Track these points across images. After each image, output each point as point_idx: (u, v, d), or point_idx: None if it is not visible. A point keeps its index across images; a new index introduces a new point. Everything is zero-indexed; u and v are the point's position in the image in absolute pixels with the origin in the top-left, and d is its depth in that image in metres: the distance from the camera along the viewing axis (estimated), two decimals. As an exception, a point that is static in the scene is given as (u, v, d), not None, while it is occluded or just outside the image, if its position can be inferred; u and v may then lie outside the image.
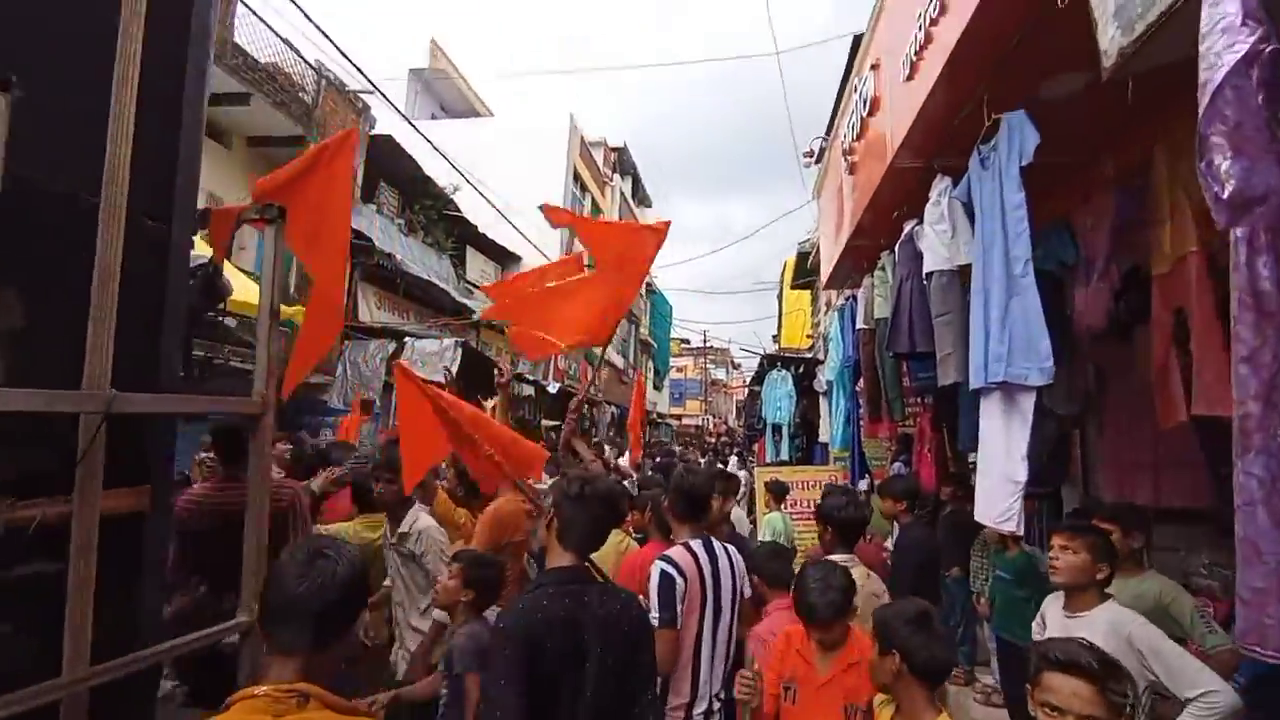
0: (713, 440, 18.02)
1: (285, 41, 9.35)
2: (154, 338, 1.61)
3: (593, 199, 19.74)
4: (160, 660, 1.60)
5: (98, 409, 1.38)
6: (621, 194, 22.31)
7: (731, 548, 2.56)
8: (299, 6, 7.29)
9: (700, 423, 34.49)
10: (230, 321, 7.07)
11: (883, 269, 4.46)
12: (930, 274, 3.40)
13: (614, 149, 22.28)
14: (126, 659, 1.45)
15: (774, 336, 20.01)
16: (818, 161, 6.05)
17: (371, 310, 10.90)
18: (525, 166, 16.88)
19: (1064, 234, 3.67)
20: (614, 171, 22.11)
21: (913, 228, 3.87)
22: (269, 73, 8.92)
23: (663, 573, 2.23)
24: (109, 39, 1.49)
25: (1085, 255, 3.35)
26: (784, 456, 8.43)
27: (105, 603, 1.44)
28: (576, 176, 18.54)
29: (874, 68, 4.06)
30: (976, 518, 2.87)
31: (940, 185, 3.38)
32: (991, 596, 3.82)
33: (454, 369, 10.18)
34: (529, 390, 14.83)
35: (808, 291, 12.49)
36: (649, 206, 27.30)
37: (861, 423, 5.89)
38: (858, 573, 2.71)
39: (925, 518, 5.10)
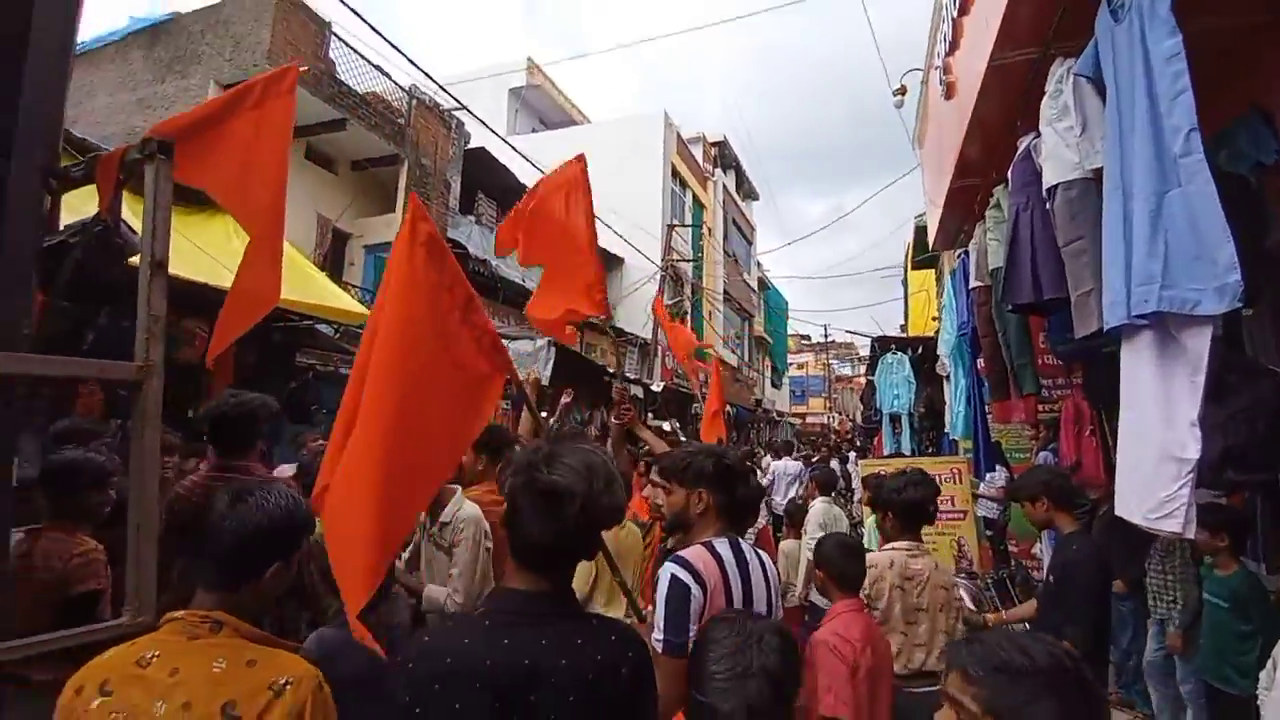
0: (835, 439, 16.65)
1: (378, 68, 9.85)
2: (-17, 288, 1.35)
3: (693, 195, 19.25)
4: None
5: None
6: (724, 188, 21.61)
7: (764, 554, 1.94)
8: (387, 39, 7.61)
9: (825, 421, 32.39)
10: (327, 330, 7.47)
11: (996, 206, 3.55)
12: (1054, 189, 2.55)
13: (714, 143, 21.65)
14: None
15: (901, 326, 18.34)
16: (905, 93, 5.12)
17: (471, 316, 11.19)
18: (623, 169, 16.81)
19: (1259, 124, 2.68)
20: (715, 166, 21.47)
21: (1030, 142, 2.99)
22: (363, 98, 9.40)
23: (673, 579, 1.63)
24: None
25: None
26: (905, 450, 7.34)
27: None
28: (675, 174, 18.17)
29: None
30: (1119, 512, 2.02)
31: (1060, 69, 2.54)
32: (1182, 625, 2.83)
33: (548, 370, 10.14)
34: (636, 391, 14.62)
35: (932, 270, 11.09)
36: (755, 200, 26.28)
37: (989, 407, 4.87)
38: (924, 563, 2.49)
39: (1084, 519, 4.05)
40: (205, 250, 5.32)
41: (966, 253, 4.29)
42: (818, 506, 4.34)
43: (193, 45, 8.62)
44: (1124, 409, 2.08)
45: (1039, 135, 2.78)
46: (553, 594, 1.17)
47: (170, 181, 1.65)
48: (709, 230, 19.83)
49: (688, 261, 17.67)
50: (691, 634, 1.61)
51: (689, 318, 17.72)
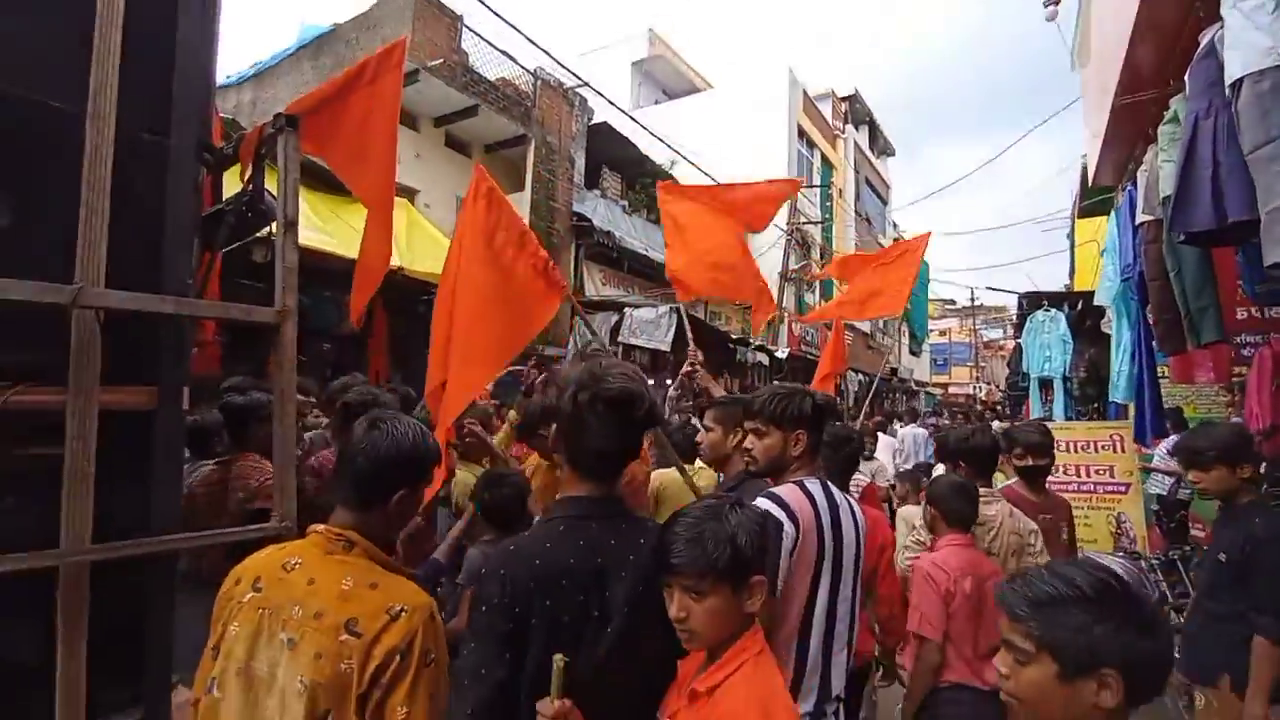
0: (982, 409, 15.11)
1: (505, 54, 10.34)
2: (155, 243, 1.63)
3: (821, 155, 18.24)
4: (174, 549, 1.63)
5: (63, 300, 1.41)
6: (856, 145, 20.21)
7: (852, 499, 1.86)
8: (513, 26, 7.99)
9: (971, 390, 29.51)
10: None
11: (1171, 120, 2.99)
12: (1238, 84, 2.10)
13: (844, 98, 20.25)
14: (125, 543, 1.49)
15: (1066, 286, 16.29)
16: (1057, 4, 4.39)
17: (597, 286, 11.54)
18: (747, 132, 16.32)
19: None
20: (845, 123, 20.12)
21: (1213, 34, 2.48)
22: (493, 84, 9.93)
23: (765, 515, 1.55)
24: None
25: None
26: (1058, 418, 6.48)
27: (113, 489, 1.50)
28: (802, 133, 17.31)
29: None
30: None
31: (1250, -65, 2.06)
32: None
33: (668, 337, 10.25)
34: (761, 358, 14.34)
35: (1101, 217, 9.61)
36: (890, 155, 24.32)
37: (1163, 370, 4.17)
38: (998, 508, 2.52)
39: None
40: (360, 231, 5.95)
41: (1133, 184, 3.66)
42: (940, 469, 4.07)
43: (349, 50, 9.58)
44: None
45: (1220, 25, 2.31)
46: (611, 498, 1.30)
47: (298, 151, 1.87)
48: (839, 191, 18.73)
49: (815, 224, 16.86)
50: (782, 571, 1.60)
51: (818, 283, 16.96)
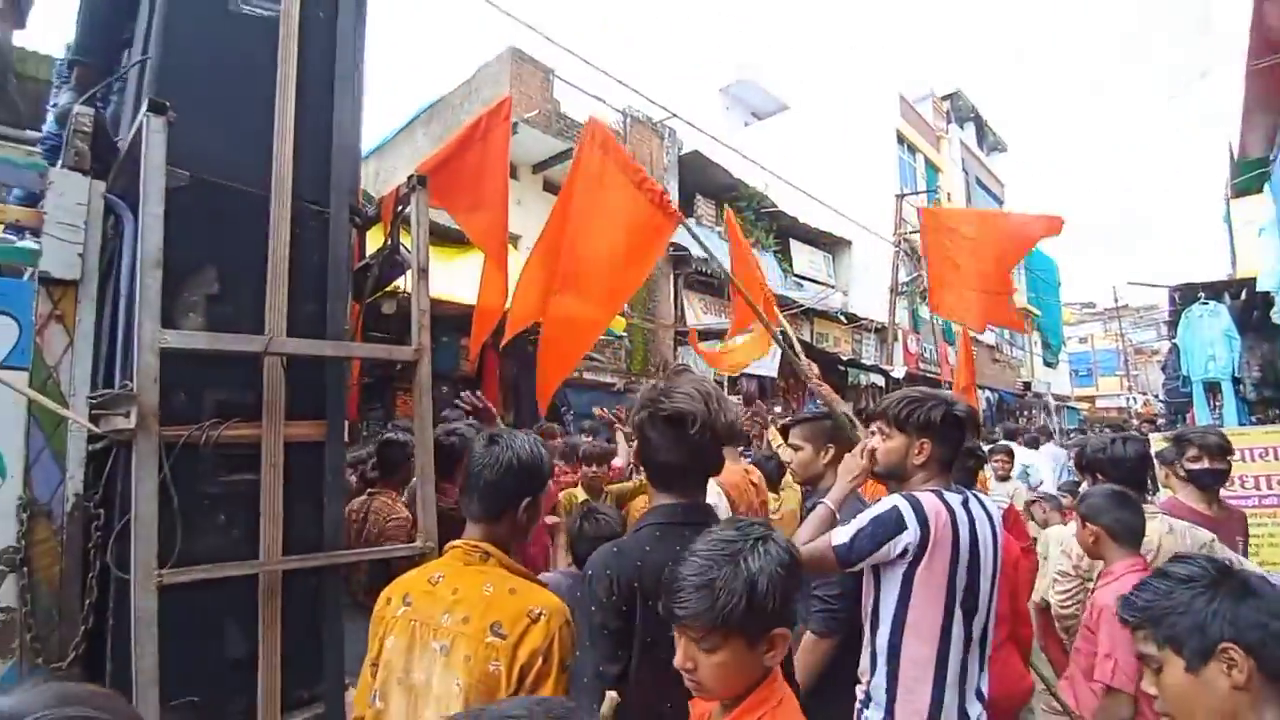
0: (1137, 424, 13.31)
1: (595, 97, 10.94)
2: (320, 299, 1.92)
3: (925, 159, 17.45)
4: (342, 563, 1.86)
5: (258, 349, 1.70)
6: (962, 144, 19.16)
7: (994, 507, 1.75)
8: (600, 69, 8.48)
9: (1124, 403, 26.08)
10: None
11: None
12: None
13: (945, 96, 19.33)
14: (312, 555, 1.75)
15: (1229, 275, 14.42)
16: None
17: (698, 314, 11.64)
18: (843, 145, 16.01)
19: None
20: (948, 122, 19.17)
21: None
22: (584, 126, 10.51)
23: (894, 509, 1.54)
24: (271, 76, 1.88)
25: None
26: (1229, 424, 5.62)
27: (297, 510, 1.77)
28: (901, 139, 16.70)
29: None
30: None
31: None
32: None
33: (774, 362, 10.09)
34: (875, 379, 13.72)
35: (1259, 195, 8.40)
36: (1001, 151, 22.75)
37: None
38: (1156, 525, 2.16)
39: None
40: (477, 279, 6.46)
41: (1293, 149, 3.24)
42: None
43: (455, 115, 10.54)
44: None
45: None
46: (697, 505, 1.37)
47: (427, 206, 2.14)
48: (948, 195, 17.77)
49: (923, 232, 16.04)
50: (867, 561, 1.56)
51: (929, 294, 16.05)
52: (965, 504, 1.62)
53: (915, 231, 15.29)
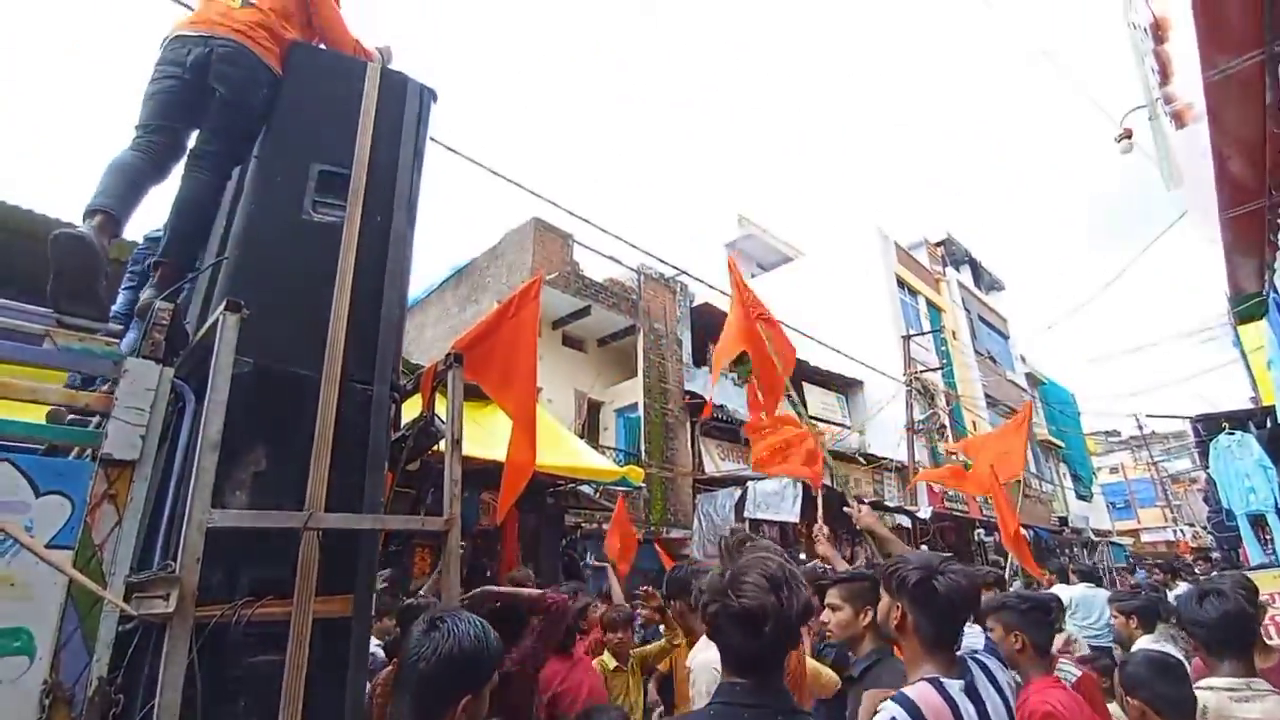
0: (1186, 558, 12.42)
1: (611, 258, 11.81)
2: (360, 472, 2.01)
3: (926, 300, 18.22)
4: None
5: (297, 524, 1.76)
6: (960, 285, 20.07)
7: (996, 664, 1.63)
8: (615, 235, 9.30)
9: (1172, 536, 24.38)
10: (589, 489, 8.39)
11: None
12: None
13: (937, 243, 20.64)
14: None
15: (1252, 397, 14.30)
16: (1130, 135, 4.49)
17: (716, 462, 11.59)
18: (847, 292, 16.83)
19: None
20: (944, 265, 20.25)
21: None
22: (602, 285, 11.25)
23: None
24: (330, 273, 2.14)
25: None
26: None
27: (319, 691, 1.72)
28: (901, 283, 17.57)
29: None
30: None
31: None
32: None
33: (795, 508, 9.85)
34: (902, 519, 13.22)
35: (1263, 320, 8.61)
36: (999, 289, 23.73)
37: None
38: (1262, 708, 1.75)
39: None
40: (496, 435, 6.61)
41: (1274, 287, 3.42)
42: (1143, 643, 3.32)
43: (481, 278, 11.39)
44: None
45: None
46: (767, 687, 1.28)
47: (462, 382, 2.30)
48: (953, 334, 18.29)
49: (935, 370, 16.32)
50: None
51: (949, 430, 15.94)
52: (969, 688, 1.48)
53: (925, 370, 15.60)
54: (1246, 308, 8.59)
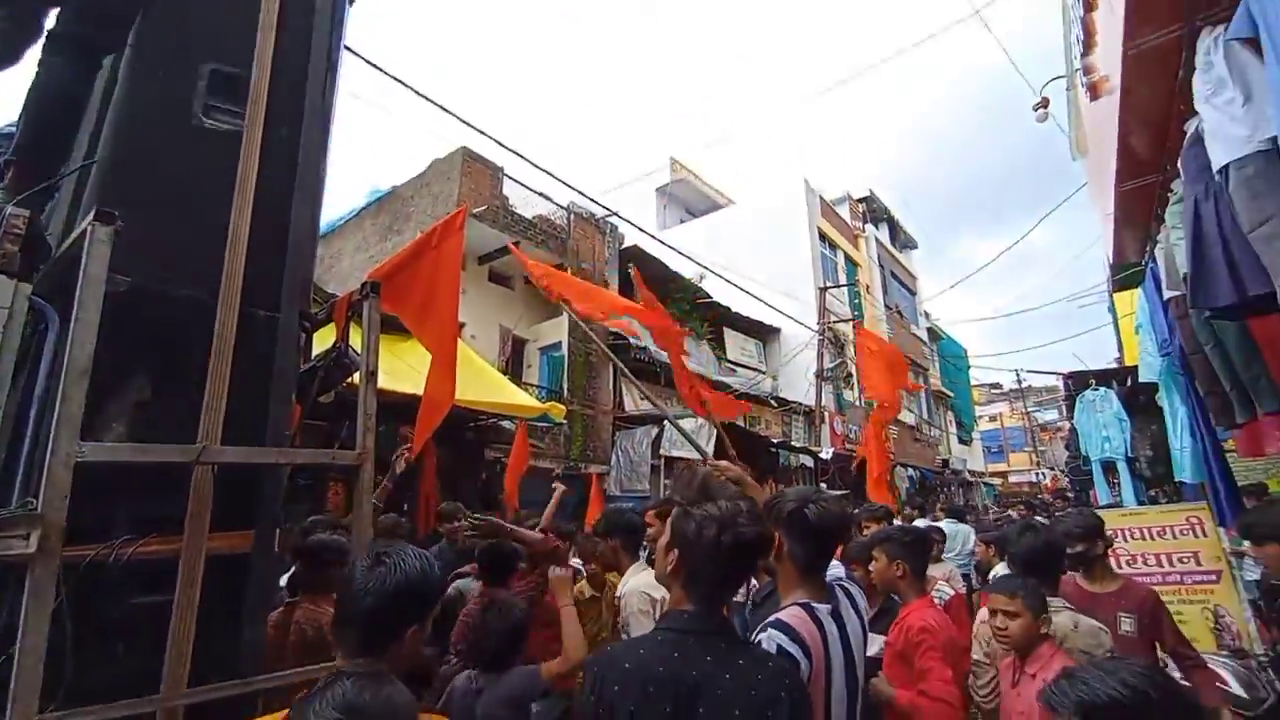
0: (1047, 497, 14.21)
1: (541, 194, 11.37)
2: (263, 403, 1.87)
3: (845, 254, 18.84)
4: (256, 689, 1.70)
5: (188, 459, 1.62)
6: (878, 242, 20.87)
7: (857, 591, 1.75)
8: (547, 171, 8.87)
9: (1033, 478, 27.70)
10: (509, 424, 8.31)
11: (1177, 201, 3.14)
12: (1225, 170, 2.25)
13: (860, 199, 21.23)
14: (218, 686, 1.59)
15: (1116, 358, 15.87)
16: (1047, 105, 4.75)
17: (635, 401, 11.73)
18: (771, 241, 17.10)
19: None
20: (864, 222, 20.93)
21: (1197, 124, 2.68)
22: (531, 222, 10.85)
23: (780, 650, 1.41)
24: (227, 188, 1.90)
25: None
26: (1128, 503, 6.10)
27: (210, 634, 1.63)
28: (823, 237, 18.03)
29: (1074, -45, 3.11)
30: None
31: (1208, 39, 2.32)
32: None
33: (709, 445, 10.23)
34: (805, 460, 14.06)
35: (1137, 289, 9.52)
36: (913, 248, 24.93)
37: (1230, 442, 4.02)
38: (1062, 619, 2.28)
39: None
40: (414, 368, 6.37)
41: (1154, 260, 3.76)
42: (999, 569, 3.77)
43: (405, 208, 10.71)
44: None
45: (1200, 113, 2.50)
46: (714, 617, 1.35)
47: (379, 313, 2.16)
48: (866, 288, 19.12)
49: (847, 321, 17.10)
50: None
51: (854, 379, 16.89)
52: (834, 612, 1.57)
53: (839, 321, 16.32)
54: (1125, 276, 9.46)
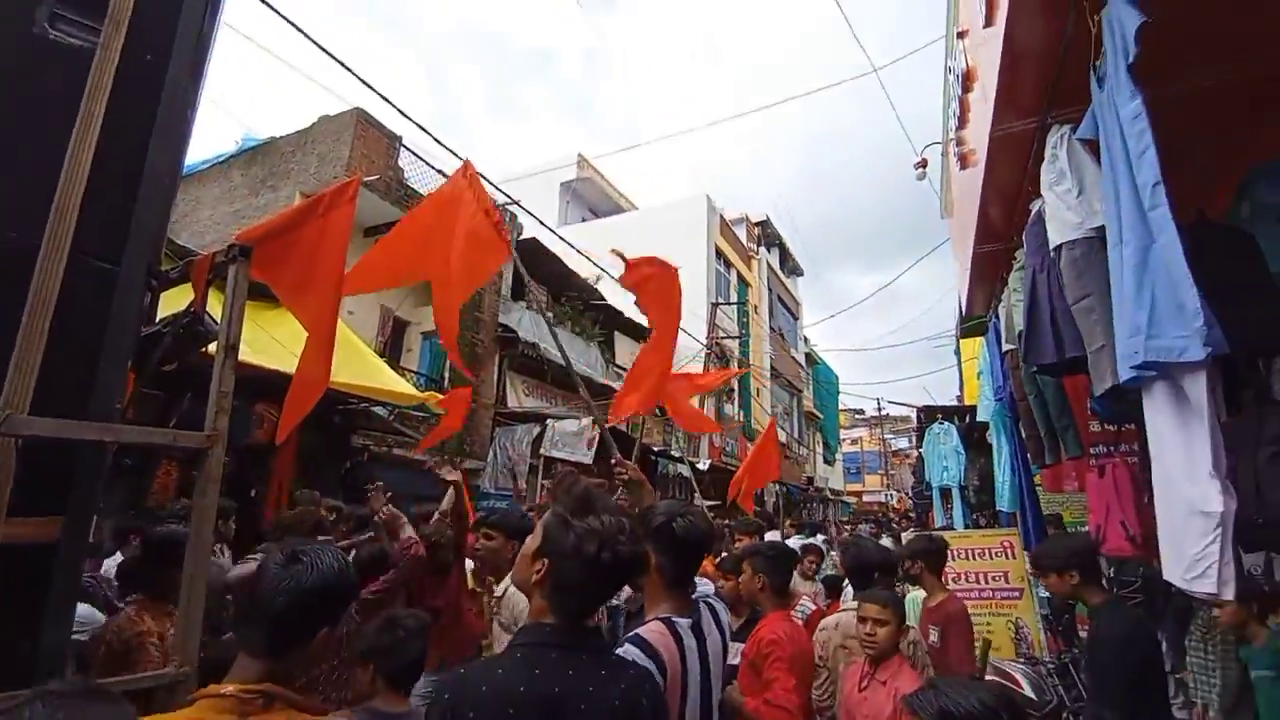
0: (894, 516, 15.81)
1: (440, 172, 10.85)
2: (89, 369, 1.63)
3: (738, 273, 19.70)
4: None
5: (-15, 428, 1.37)
6: (769, 265, 22.03)
7: (721, 607, 1.84)
8: (448, 148, 8.44)
9: (883, 498, 30.89)
10: (383, 411, 7.86)
11: (1020, 269, 3.60)
12: (1059, 249, 2.61)
13: (757, 223, 22.32)
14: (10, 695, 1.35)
15: (957, 396, 17.77)
16: (925, 165, 5.31)
17: (520, 397, 11.53)
18: (668, 252, 17.43)
19: (1277, 172, 2.70)
20: (759, 245, 22.02)
21: (1039, 205, 3.08)
22: (426, 199, 10.32)
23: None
24: (70, 114, 1.63)
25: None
26: (957, 526, 6.96)
27: (5, 629, 1.39)
28: (719, 254, 18.72)
29: (961, 35, 3.47)
30: (1166, 577, 1.94)
31: (1056, 135, 2.67)
32: (1223, 707, 2.62)
33: (590, 451, 10.28)
34: (683, 470, 14.49)
35: (980, 337, 10.82)
36: (799, 275, 26.59)
37: (1038, 478, 4.66)
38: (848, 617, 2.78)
39: (1138, 599, 3.81)
40: (280, 341, 5.84)
41: (997, 316, 4.29)
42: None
43: (284, 163, 9.78)
44: (1153, 465, 2.04)
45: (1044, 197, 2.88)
46: (577, 628, 1.27)
47: (247, 280, 1.95)
48: (754, 308, 20.08)
49: (734, 339, 17.85)
50: None
51: (736, 394, 17.68)
52: (694, 626, 1.61)
53: (727, 337, 17.02)
54: (970, 325, 10.69)
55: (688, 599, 1.67)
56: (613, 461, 3.26)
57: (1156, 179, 1.83)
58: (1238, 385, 2.44)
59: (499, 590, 2.59)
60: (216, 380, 1.83)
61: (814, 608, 3.34)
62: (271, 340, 5.74)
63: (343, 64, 5.96)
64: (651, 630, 1.52)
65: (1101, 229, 2.41)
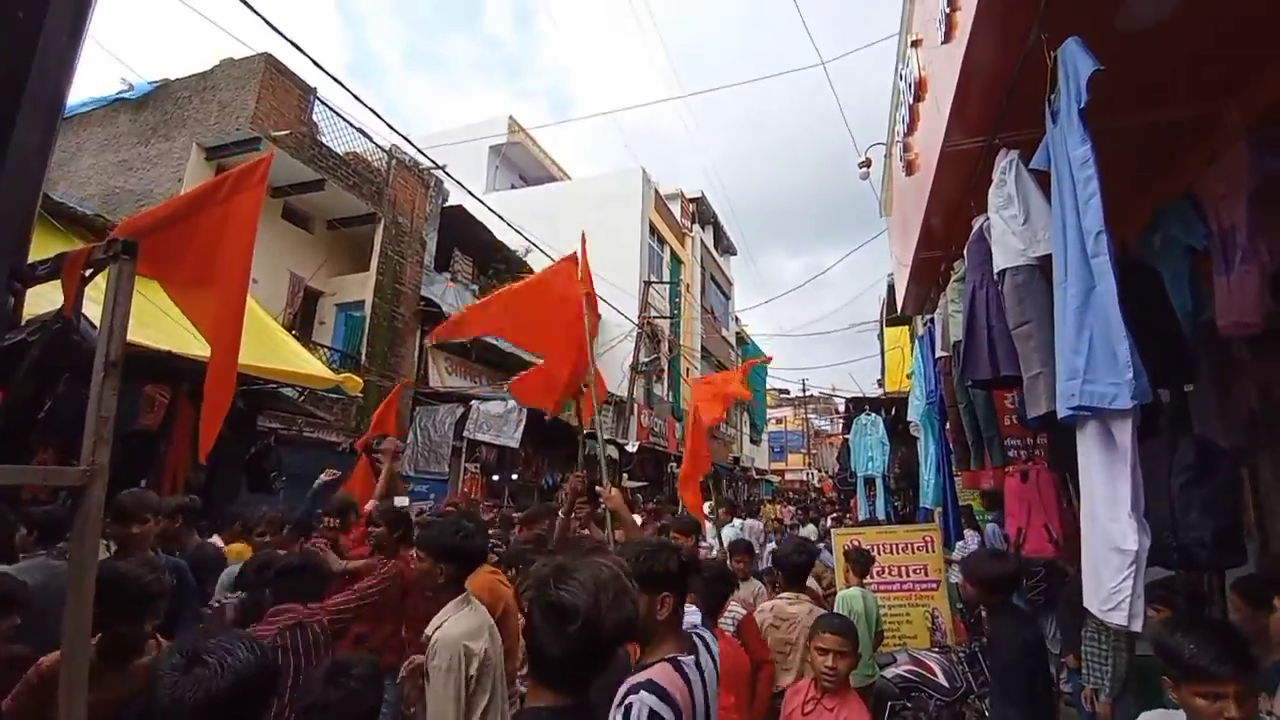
0: (815, 497, 16.38)
1: (359, 130, 10.07)
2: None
3: (671, 251, 19.65)
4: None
5: None
6: (703, 244, 22.09)
7: (711, 638, 1.81)
8: (366, 105, 7.76)
9: (805, 477, 32.22)
10: (291, 392, 7.29)
11: (959, 279, 3.69)
12: (1003, 273, 2.66)
13: (691, 200, 22.27)
14: None
15: (878, 381, 18.65)
16: (869, 165, 5.40)
17: (442, 376, 11.07)
18: (601, 225, 17.13)
19: (1188, 211, 2.84)
20: (693, 222, 22.02)
21: (982, 223, 3.14)
22: (342, 159, 9.55)
23: (652, 715, 1.40)
24: None
25: (1219, 232, 2.53)
26: (880, 515, 7.32)
27: None
28: (653, 230, 18.57)
29: (915, 44, 3.46)
30: (1085, 604, 2.04)
31: (1005, 160, 2.70)
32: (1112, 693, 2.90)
33: (518, 433, 9.98)
34: (610, 451, 14.48)
35: (905, 327, 11.31)
36: (733, 255, 26.91)
37: (957, 473, 4.92)
38: (798, 608, 3.33)
39: (1039, 599, 4.10)
40: (171, 316, 5.25)
41: (933, 321, 4.42)
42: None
43: (179, 110, 8.74)
44: (1082, 500, 2.13)
45: (989, 216, 2.93)
46: (575, 709, 1.17)
47: (132, 282, 1.64)
48: (687, 287, 20.15)
49: (666, 318, 17.85)
50: None
51: (665, 374, 17.77)
52: (697, 662, 1.61)
53: (659, 317, 17.00)
54: (895, 319, 11.16)
55: (684, 635, 1.68)
56: (601, 491, 3.11)
57: (1100, 227, 1.88)
58: (1155, 410, 2.60)
59: (429, 630, 2.29)
60: (95, 406, 1.54)
61: (744, 612, 3.32)
62: (160, 313, 5.14)
63: (249, 5, 5.32)
64: (662, 673, 1.50)
65: (1044, 257, 2.47)
